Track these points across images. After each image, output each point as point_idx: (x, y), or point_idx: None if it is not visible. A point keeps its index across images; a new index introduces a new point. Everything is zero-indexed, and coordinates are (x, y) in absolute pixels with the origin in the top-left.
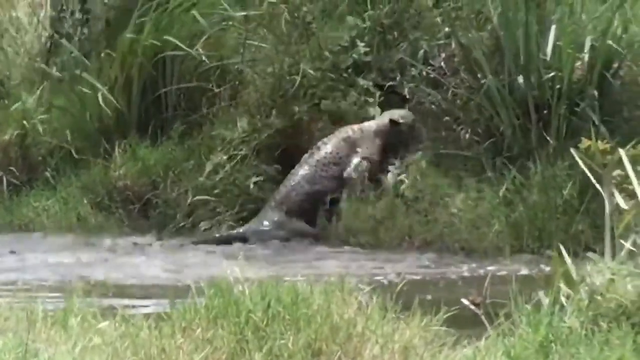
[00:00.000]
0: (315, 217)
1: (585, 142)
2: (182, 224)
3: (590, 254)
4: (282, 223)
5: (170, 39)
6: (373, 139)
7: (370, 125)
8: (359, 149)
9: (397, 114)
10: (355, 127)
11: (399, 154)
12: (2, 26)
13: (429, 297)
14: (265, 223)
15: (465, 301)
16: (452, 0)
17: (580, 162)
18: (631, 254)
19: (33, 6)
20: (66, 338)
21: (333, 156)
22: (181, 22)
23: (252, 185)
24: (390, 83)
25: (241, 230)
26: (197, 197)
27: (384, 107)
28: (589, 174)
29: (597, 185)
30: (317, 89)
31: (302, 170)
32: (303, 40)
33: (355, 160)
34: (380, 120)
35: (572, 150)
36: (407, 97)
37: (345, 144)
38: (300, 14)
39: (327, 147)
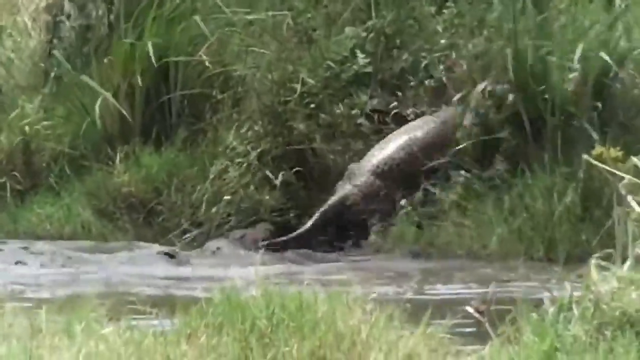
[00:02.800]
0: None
1: (597, 149)
2: (185, 231)
3: (597, 261)
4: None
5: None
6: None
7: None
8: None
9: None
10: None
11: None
12: (5, 31)
13: (433, 305)
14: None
15: (469, 309)
16: (454, 7)
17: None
18: (639, 262)
19: (37, 10)
20: (70, 345)
21: (428, 140)
22: (183, 27)
23: (257, 192)
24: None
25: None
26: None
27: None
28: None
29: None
30: (316, 99)
31: (400, 140)
32: (304, 47)
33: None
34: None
35: (584, 157)
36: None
37: (444, 128)
38: (302, 21)
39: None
